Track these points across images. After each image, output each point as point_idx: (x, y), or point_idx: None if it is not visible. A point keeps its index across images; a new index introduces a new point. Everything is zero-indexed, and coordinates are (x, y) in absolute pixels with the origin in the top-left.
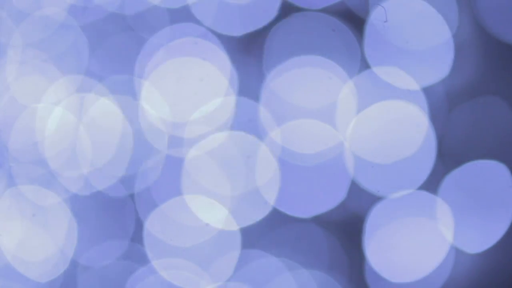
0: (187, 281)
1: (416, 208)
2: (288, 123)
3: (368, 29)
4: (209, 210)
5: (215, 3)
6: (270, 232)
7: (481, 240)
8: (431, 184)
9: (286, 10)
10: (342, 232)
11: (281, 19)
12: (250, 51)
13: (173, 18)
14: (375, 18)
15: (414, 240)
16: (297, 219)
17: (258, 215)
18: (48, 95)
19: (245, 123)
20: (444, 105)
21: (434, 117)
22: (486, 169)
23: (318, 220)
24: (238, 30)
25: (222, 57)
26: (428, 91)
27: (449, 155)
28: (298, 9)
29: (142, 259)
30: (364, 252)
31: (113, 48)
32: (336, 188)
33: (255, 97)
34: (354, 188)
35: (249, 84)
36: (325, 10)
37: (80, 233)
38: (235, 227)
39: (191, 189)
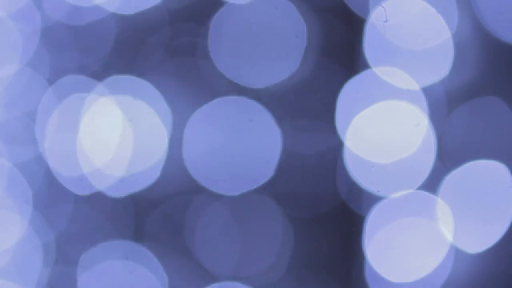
0: (187, 281)
1: (416, 208)
2: (288, 123)
3: (368, 29)
4: (209, 210)
5: (215, 3)
6: (270, 233)
7: (481, 240)
8: (431, 184)
9: (286, 10)
10: (342, 232)
11: (281, 19)
12: (250, 51)
13: (173, 18)
14: (375, 18)
15: (414, 240)
16: (297, 219)
17: (258, 214)
18: (48, 95)
19: (245, 123)
20: (444, 105)
21: (434, 117)
22: (486, 169)
23: (318, 220)
24: (238, 30)
25: (222, 57)
26: (428, 91)
27: (449, 155)
28: (298, 9)
29: (142, 259)
30: (364, 252)
31: (113, 48)
32: (336, 188)
33: (255, 97)
34: (354, 188)
35: (249, 84)
36: (325, 10)
37: (80, 233)
38: (235, 227)
39: (191, 189)
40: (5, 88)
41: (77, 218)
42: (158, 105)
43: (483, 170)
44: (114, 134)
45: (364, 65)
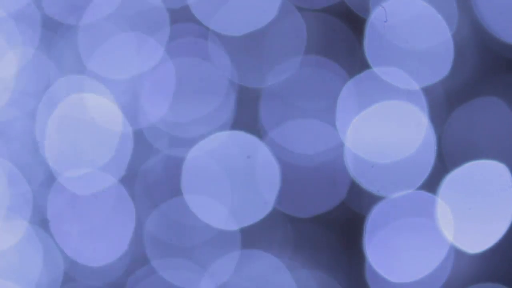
0: (187, 281)
1: (416, 208)
2: (288, 123)
3: (368, 29)
4: (209, 210)
5: (215, 3)
6: (270, 232)
7: (481, 240)
8: (431, 184)
9: (286, 10)
10: (342, 232)
11: (281, 19)
12: (250, 51)
13: (173, 18)
14: (375, 18)
15: (414, 240)
16: (297, 219)
17: (258, 215)
18: (48, 95)
19: (245, 123)
20: (444, 105)
21: (434, 117)
22: (486, 169)
23: (318, 220)
24: (238, 30)
25: (222, 57)
26: (428, 91)
27: (449, 155)
28: (298, 9)
29: (142, 259)
30: (364, 252)
31: (113, 48)
32: (336, 188)
33: (255, 97)
34: (354, 188)
35: (249, 84)
36: (325, 10)
37: (80, 233)
38: (235, 227)
39: (191, 189)
40: (5, 88)
41: (77, 218)
42: (158, 105)
43: (483, 170)
44: (114, 134)
45: (364, 65)
